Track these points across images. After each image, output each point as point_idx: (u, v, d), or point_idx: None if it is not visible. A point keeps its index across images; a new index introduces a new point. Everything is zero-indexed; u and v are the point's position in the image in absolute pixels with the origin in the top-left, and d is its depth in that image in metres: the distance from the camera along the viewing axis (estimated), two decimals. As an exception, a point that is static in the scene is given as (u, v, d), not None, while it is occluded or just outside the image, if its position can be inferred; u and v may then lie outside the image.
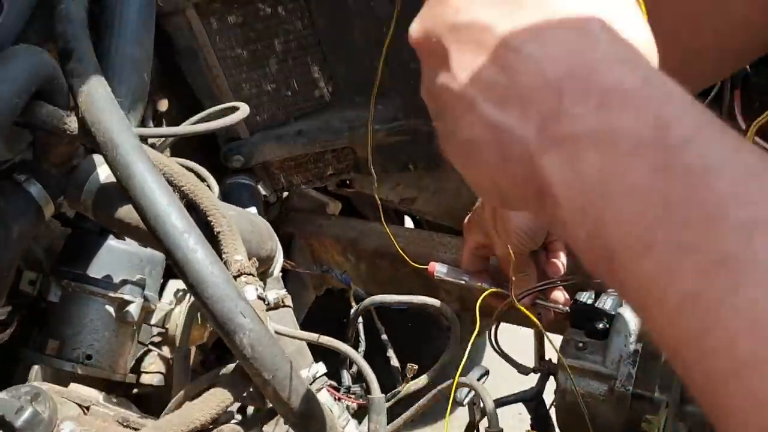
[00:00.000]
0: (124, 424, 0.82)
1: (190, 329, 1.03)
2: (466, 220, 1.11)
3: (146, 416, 0.86)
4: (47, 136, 0.86)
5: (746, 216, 0.32)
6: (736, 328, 0.30)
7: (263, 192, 1.32)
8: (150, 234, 0.81)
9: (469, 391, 0.94)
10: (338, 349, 0.93)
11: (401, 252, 1.19)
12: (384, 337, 1.23)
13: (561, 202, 0.39)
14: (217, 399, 0.76)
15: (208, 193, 0.86)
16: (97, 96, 0.81)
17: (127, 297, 1.02)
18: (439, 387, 0.93)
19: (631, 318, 1.00)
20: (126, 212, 0.88)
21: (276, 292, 0.90)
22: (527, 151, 0.41)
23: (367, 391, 0.96)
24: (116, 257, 1.04)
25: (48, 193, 0.89)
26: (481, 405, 0.96)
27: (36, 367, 1.00)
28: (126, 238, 1.06)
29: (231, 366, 0.91)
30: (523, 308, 1.01)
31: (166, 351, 1.24)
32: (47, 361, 1.00)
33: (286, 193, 1.45)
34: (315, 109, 1.27)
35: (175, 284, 1.18)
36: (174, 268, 0.75)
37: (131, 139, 0.78)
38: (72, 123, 0.82)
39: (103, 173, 0.90)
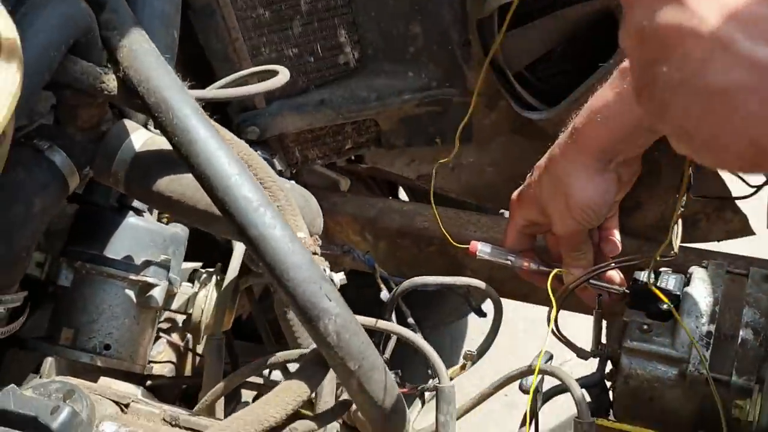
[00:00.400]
0: (173, 423, 0.72)
1: (224, 315, 0.93)
2: (514, 195, 1.03)
3: (195, 413, 0.76)
4: (76, 96, 0.75)
5: None
6: None
7: (278, 167, 1.22)
8: (200, 212, 0.72)
9: (541, 378, 0.86)
10: (400, 334, 0.84)
11: (445, 232, 1.12)
12: (411, 320, 1.15)
13: None
14: (293, 393, 0.67)
15: (263, 162, 0.76)
16: (142, 51, 0.71)
17: (150, 280, 0.92)
18: (512, 372, 0.86)
19: (700, 297, 0.94)
20: (167, 184, 0.78)
21: (335, 274, 0.80)
22: None
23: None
24: (137, 236, 0.93)
25: (73, 162, 0.78)
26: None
27: (49, 360, 0.89)
28: (146, 214, 0.95)
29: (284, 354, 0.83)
30: (596, 283, 0.95)
31: (175, 338, 1.14)
32: (61, 353, 0.90)
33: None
34: (338, 77, 1.18)
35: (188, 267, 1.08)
36: (247, 245, 0.65)
37: (188, 99, 0.68)
38: (110, 82, 0.72)
39: (138, 140, 0.79)
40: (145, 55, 0.70)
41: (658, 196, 1.28)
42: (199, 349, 1.13)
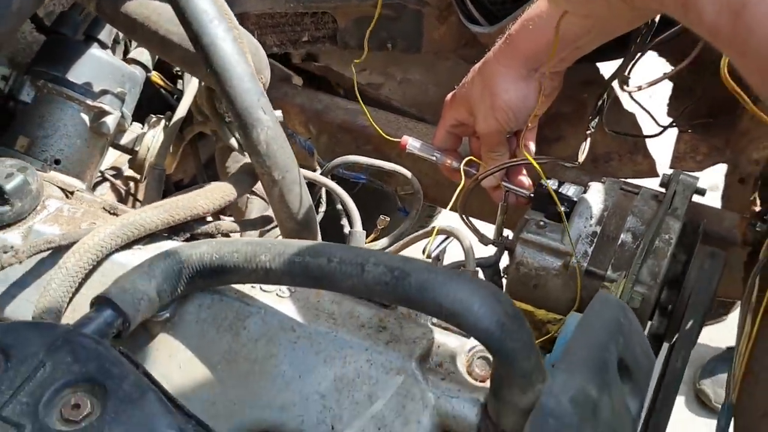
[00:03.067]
0: (111, 211, 0.81)
1: (167, 150, 1.02)
2: (449, 96, 1.13)
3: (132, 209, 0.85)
4: None
5: None
6: None
7: (237, 46, 1.30)
8: (159, 37, 0.80)
9: (440, 243, 0.97)
10: (326, 185, 0.95)
11: (375, 126, 1.21)
12: (339, 207, 1.25)
13: None
14: (221, 192, 0.77)
15: (226, 5, 0.84)
16: None
17: (106, 107, 1.00)
18: (420, 232, 0.97)
19: (594, 203, 1.06)
20: (135, 7, 0.86)
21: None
22: None
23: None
24: (98, 67, 1.01)
25: (53, -28, 0.86)
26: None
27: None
28: (112, 47, 1.03)
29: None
30: (507, 185, 1.06)
31: (119, 183, 1.22)
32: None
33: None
34: (305, -32, 1.26)
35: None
36: (199, 53, 0.74)
37: None
38: None
39: (114, -36, 0.87)
40: None
41: (580, 132, 1.39)
42: (140, 195, 1.22)
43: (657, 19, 1.05)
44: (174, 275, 0.67)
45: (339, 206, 1.24)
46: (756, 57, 0.40)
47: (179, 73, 1.31)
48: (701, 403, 2.53)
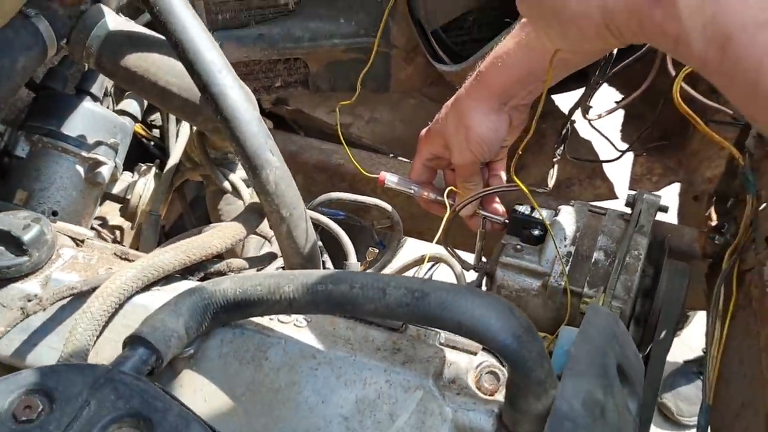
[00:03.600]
0: (123, 257, 0.84)
1: (162, 195, 1.06)
2: (423, 132, 1.20)
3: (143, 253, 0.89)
4: (65, -27, 0.87)
5: None
6: None
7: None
8: (159, 88, 0.85)
9: (428, 270, 1.03)
10: (320, 221, 0.99)
11: (356, 164, 1.27)
12: (320, 244, 1.30)
13: (679, 0, 0.49)
14: (232, 231, 0.81)
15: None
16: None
17: (100, 158, 1.03)
18: (412, 258, 1.02)
19: (566, 225, 1.13)
20: (134, 60, 0.90)
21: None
22: None
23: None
24: (91, 119, 1.05)
25: (54, 31, 0.90)
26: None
27: (2, 216, 0.99)
28: (102, 99, 1.07)
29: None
30: (483, 213, 1.13)
31: (105, 232, 1.24)
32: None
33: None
34: (278, 16, 1.32)
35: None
36: (209, 102, 0.78)
37: (168, -22, 0.81)
38: (100, -40, 0.84)
39: (112, 21, 0.92)
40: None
41: (541, 161, 1.48)
42: (127, 243, 1.24)
43: (615, 51, 1.14)
44: (200, 311, 0.71)
45: (319, 243, 1.30)
46: (743, 84, 0.47)
47: (152, 123, 1.36)
48: (665, 417, 2.62)
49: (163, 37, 0.81)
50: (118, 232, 1.27)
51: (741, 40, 0.46)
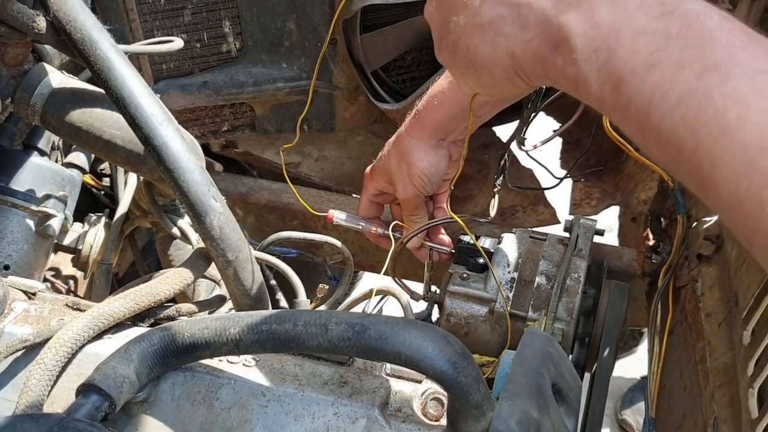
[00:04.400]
0: (74, 307, 0.86)
1: (113, 244, 1.08)
2: (368, 169, 1.24)
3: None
4: (8, 34, 0.89)
5: (730, 41, 0.48)
6: (725, 105, 0.45)
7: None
8: (103, 141, 0.88)
9: (377, 303, 1.06)
10: (269, 261, 1.02)
11: (304, 203, 1.30)
12: (273, 282, 1.33)
13: (577, 47, 0.54)
14: (180, 277, 0.84)
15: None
16: (69, -1, 0.87)
17: (50, 211, 1.06)
18: (361, 293, 1.05)
19: (509, 252, 1.18)
20: (78, 116, 0.93)
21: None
22: (545, 16, 0.56)
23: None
24: (39, 173, 1.07)
25: (-2, 93, 0.92)
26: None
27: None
28: (50, 153, 1.09)
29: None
30: (430, 244, 1.17)
31: (59, 283, 1.26)
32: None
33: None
34: (221, 64, 1.36)
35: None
36: (151, 154, 0.81)
37: (107, 36, 0.85)
38: (41, 22, 0.87)
39: (55, 80, 0.95)
40: (72, 1, 0.86)
41: (486, 190, 1.53)
42: (81, 292, 1.26)
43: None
44: (150, 357, 0.73)
45: (272, 281, 1.32)
46: (634, 120, 0.52)
47: (102, 172, 1.38)
48: (625, 432, 2.67)
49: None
50: (72, 282, 1.29)
51: (631, 81, 0.50)
